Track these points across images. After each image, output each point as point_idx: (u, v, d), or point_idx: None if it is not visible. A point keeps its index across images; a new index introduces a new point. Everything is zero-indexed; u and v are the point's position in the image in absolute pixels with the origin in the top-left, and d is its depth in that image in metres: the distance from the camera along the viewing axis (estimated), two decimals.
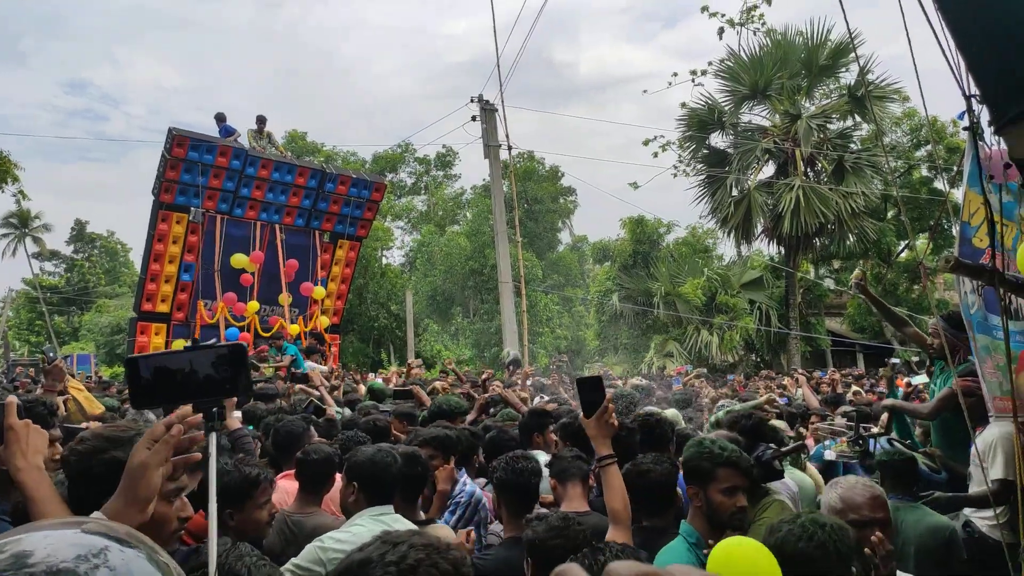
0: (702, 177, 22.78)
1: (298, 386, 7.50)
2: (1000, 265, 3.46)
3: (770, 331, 21.88)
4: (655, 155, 24.59)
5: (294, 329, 14.65)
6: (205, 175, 14.02)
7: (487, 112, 17.31)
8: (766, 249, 25.02)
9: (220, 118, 15.07)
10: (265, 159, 14.89)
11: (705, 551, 2.36)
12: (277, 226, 15.40)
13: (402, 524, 2.72)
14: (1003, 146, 2.43)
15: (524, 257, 27.41)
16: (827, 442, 5.38)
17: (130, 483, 1.32)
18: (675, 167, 23.52)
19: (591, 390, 2.55)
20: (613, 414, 2.53)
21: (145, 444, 1.34)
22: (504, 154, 17.40)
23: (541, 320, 30.01)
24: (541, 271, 32.78)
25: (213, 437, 1.44)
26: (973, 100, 2.97)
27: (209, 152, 14.02)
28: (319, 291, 15.46)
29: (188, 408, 1.40)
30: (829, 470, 5.26)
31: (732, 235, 22.59)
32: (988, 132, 2.90)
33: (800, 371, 13.50)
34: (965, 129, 3.61)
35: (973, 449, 3.92)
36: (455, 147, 41.87)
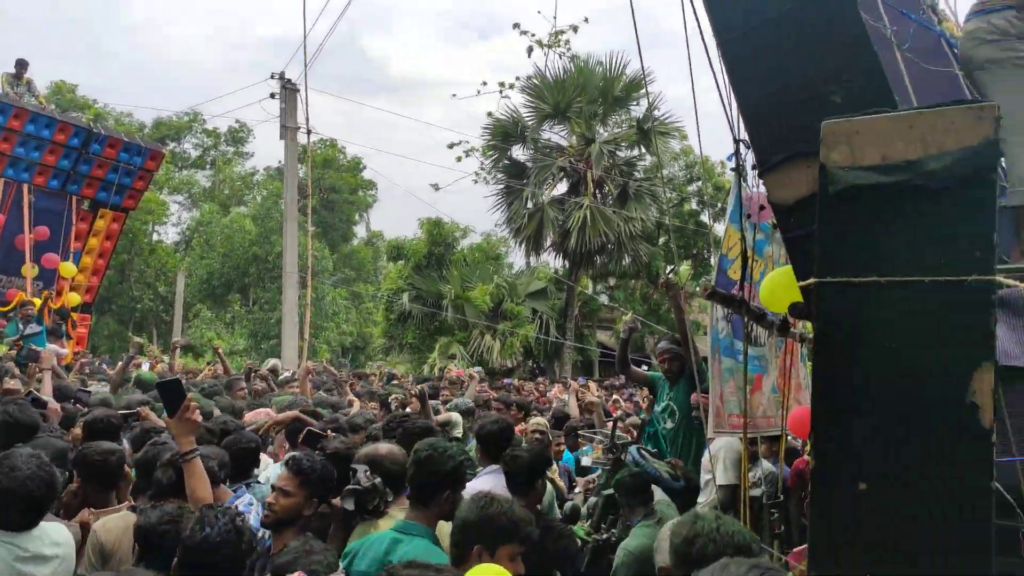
0: (501, 187, 23.43)
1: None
2: (748, 296, 3.81)
3: (548, 339, 22.97)
4: (459, 159, 24.87)
5: (37, 303, 12.78)
6: None
7: (288, 91, 16.37)
8: (553, 262, 26.28)
9: None
10: (20, 108, 12.85)
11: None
12: (26, 186, 13.34)
13: None
14: (763, 189, 2.66)
15: (315, 247, 26.34)
16: (585, 448, 5.65)
17: None
18: (476, 174, 23.97)
19: (172, 393, 2.85)
20: (196, 412, 2.85)
21: None
22: (303, 138, 16.60)
23: (327, 314, 29.04)
24: (332, 263, 31.75)
25: None
26: (742, 144, 3.25)
27: None
28: (67, 267, 13.59)
29: None
30: (587, 475, 5.59)
31: (523, 245, 23.48)
32: (752, 175, 3.19)
33: (572, 380, 14.25)
34: (732, 170, 3.96)
35: (704, 458, 4.32)
36: (249, 124, 39.25)
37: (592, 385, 12.74)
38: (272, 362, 10.47)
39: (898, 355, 1.98)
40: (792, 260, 2.48)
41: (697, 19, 2.70)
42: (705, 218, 25.70)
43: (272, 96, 16.73)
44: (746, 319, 3.99)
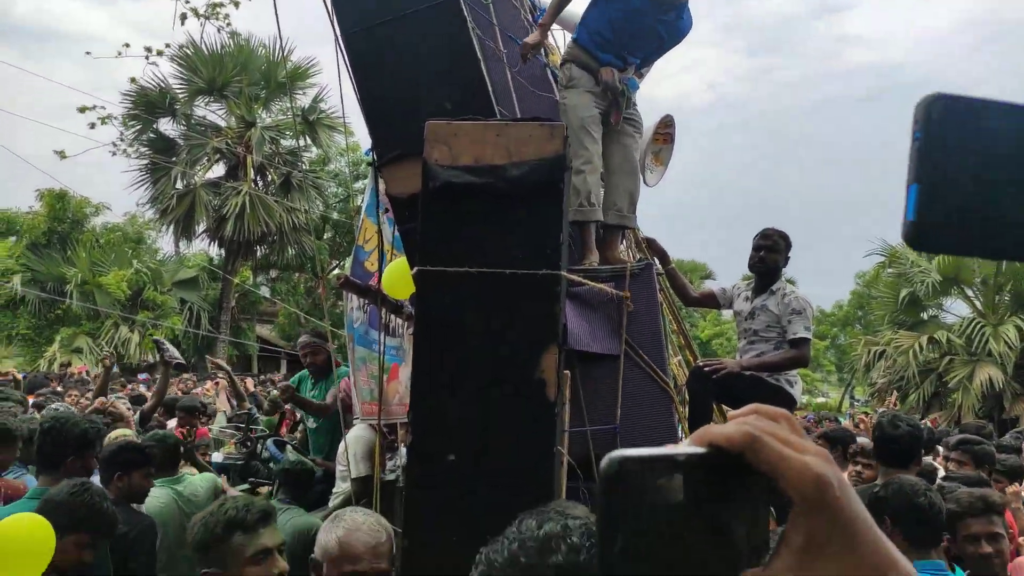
0: (145, 162, 21.02)
1: None
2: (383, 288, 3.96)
3: (199, 333, 21.30)
4: (92, 126, 21.65)
5: None
6: None
7: None
8: (207, 249, 24.40)
9: None
10: None
11: None
12: None
13: None
14: None
15: None
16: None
17: None
18: (115, 144, 21.15)
19: None
20: None
21: None
22: None
23: None
24: None
25: None
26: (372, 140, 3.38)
27: None
28: None
29: None
30: (225, 473, 5.29)
31: (172, 229, 21.38)
32: None
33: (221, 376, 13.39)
34: (369, 164, 4.08)
35: (340, 449, 4.40)
36: None
37: (249, 381, 12.15)
38: None
39: (482, 338, 2.23)
40: (406, 251, 2.65)
41: (330, 14, 2.74)
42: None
43: None
44: (382, 310, 4.15)
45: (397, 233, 4.59)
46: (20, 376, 10.76)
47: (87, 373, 13.41)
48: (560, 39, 4.02)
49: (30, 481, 3.34)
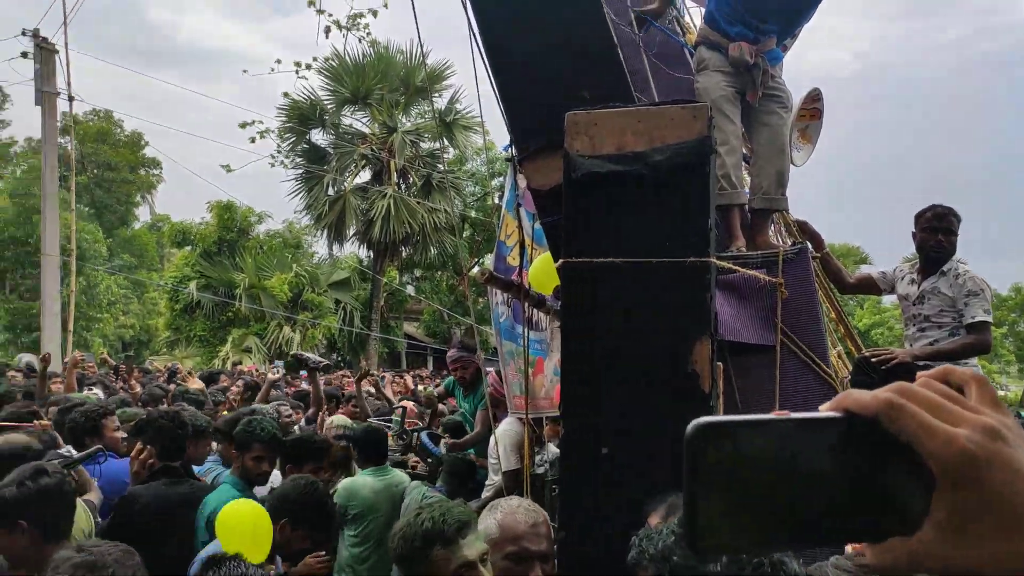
0: (300, 172, 22.50)
1: None
2: (527, 282, 3.99)
3: (352, 331, 22.53)
4: (252, 140, 23.46)
5: None
6: None
7: (44, 52, 14.46)
8: (357, 252, 25.78)
9: None
10: None
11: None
12: None
13: None
14: None
15: (85, 229, 23.75)
16: None
17: None
18: (273, 156, 22.81)
19: None
20: None
21: None
22: (64, 105, 14.77)
23: (102, 304, 26.28)
24: (108, 248, 28.75)
25: None
26: (510, 134, 3.40)
27: None
28: None
29: None
30: None
31: (325, 234, 22.75)
32: None
33: (385, 372, 14.10)
34: (507, 160, 4.12)
35: (491, 442, 4.47)
36: (4, 87, 34.35)
37: (407, 377, 12.76)
38: (24, 358, 9.27)
39: (631, 330, 2.18)
40: (550, 244, 2.64)
41: (466, 8, 2.78)
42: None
43: (24, 55, 14.74)
44: (525, 304, 4.18)
45: (537, 226, 4.62)
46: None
47: (255, 371, 14.51)
48: (698, 18, 3.87)
49: (224, 477, 3.64)
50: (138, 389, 7.82)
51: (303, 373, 10.87)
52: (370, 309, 23.37)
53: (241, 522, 2.43)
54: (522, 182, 4.13)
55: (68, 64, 14.31)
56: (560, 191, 2.46)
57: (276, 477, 4.05)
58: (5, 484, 2.31)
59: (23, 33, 14.50)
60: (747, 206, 3.48)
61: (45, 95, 14.28)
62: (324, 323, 21.77)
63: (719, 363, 2.50)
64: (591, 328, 2.23)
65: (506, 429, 4.66)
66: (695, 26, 3.83)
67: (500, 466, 4.55)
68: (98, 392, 6.85)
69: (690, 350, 2.18)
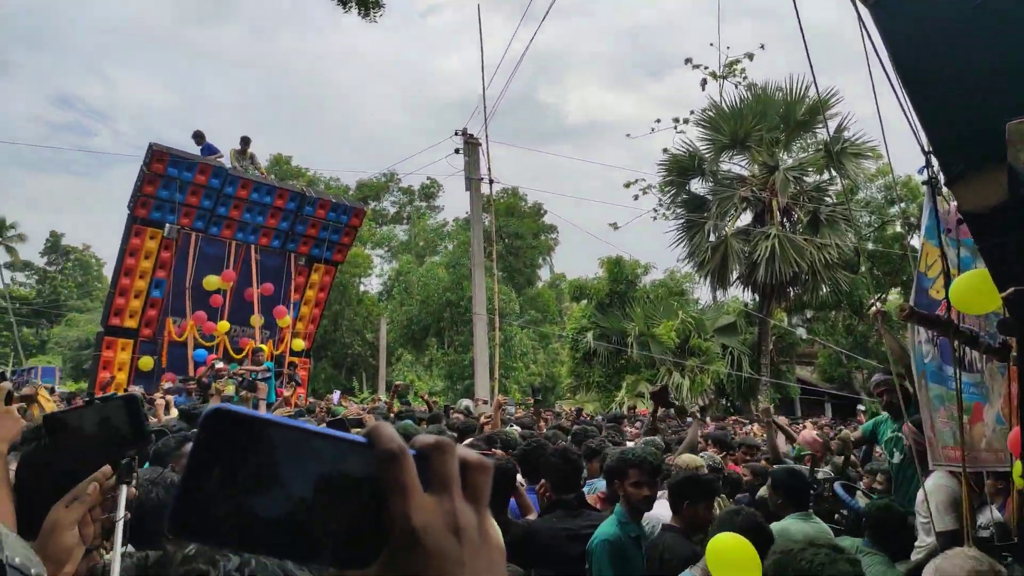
0: (681, 221, 23.09)
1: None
2: (955, 317, 3.54)
3: (741, 376, 22.01)
4: (636, 198, 24.95)
5: (267, 350, 14.52)
6: (183, 192, 13.92)
7: (470, 146, 17.46)
8: (741, 295, 25.32)
9: (199, 136, 15.02)
10: (245, 179, 14.86)
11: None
12: (253, 246, 15.30)
13: None
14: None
15: (501, 291, 27.44)
16: None
17: (43, 541, 1.29)
18: (655, 210, 23.87)
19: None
20: None
21: (64, 502, 1.32)
22: (486, 188, 17.55)
23: (515, 355, 29.95)
24: (519, 306, 32.82)
25: (123, 490, 1.45)
26: (932, 155, 3.09)
27: (189, 170, 13.96)
28: (285, 319, 15.30)
29: (108, 468, 1.40)
30: None
31: (708, 280, 22.85)
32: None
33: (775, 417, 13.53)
34: (924, 183, 3.73)
35: (919, 498, 3.97)
36: (439, 179, 42.11)
37: (809, 425, 12.08)
38: (465, 403, 11.03)
39: None
40: (991, 270, 2.32)
41: (864, 28, 2.65)
42: (915, 242, 23.58)
43: (456, 151, 17.91)
44: (955, 342, 3.69)
45: (963, 254, 4.07)
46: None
47: (649, 415, 15.01)
48: None
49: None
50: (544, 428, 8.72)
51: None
52: (758, 353, 22.61)
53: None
54: (944, 206, 3.70)
55: (489, 154, 17.03)
56: (999, 211, 2.17)
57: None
58: None
59: (456, 133, 17.73)
60: None
61: (472, 181, 17.20)
62: (712, 368, 21.66)
63: None
64: None
65: (939, 483, 4.11)
66: None
67: (932, 526, 4.02)
68: (517, 428, 7.81)
69: None
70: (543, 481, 4.00)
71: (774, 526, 3.83)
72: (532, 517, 3.98)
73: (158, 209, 13.88)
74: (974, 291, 2.75)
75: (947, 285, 3.59)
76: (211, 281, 14.40)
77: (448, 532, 0.48)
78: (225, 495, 0.45)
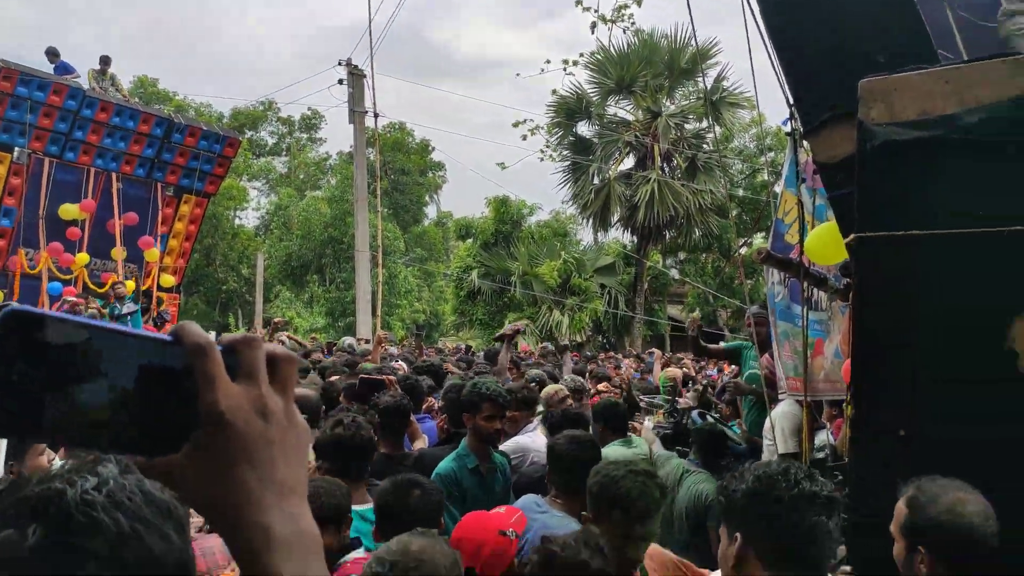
0: (567, 163, 23.42)
1: None
2: (806, 261, 3.84)
3: (617, 314, 22.95)
4: (524, 138, 24.94)
5: (130, 286, 13.67)
6: (34, 113, 12.62)
7: (355, 77, 16.79)
8: (621, 237, 26.17)
9: (53, 53, 13.57)
10: (105, 101, 13.64)
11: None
12: (114, 174, 14.18)
13: None
14: None
15: (386, 228, 26.98)
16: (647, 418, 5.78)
17: None
18: (542, 151, 24.02)
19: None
20: None
21: None
22: (371, 122, 17.03)
23: (400, 292, 29.76)
24: (404, 243, 32.44)
25: None
26: (795, 108, 3.29)
27: (41, 89, 12.62)
28: (151, 252, 14.42)
29: None
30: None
31: (590, 221, 23.46)
32: None
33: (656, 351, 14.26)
34: (787, 134, 3.98)
35: (766, 424, 4.37)
36: (321, 111, 40.29)
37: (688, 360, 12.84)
38: (347, 340, 10.94)
39: (938, 306, 2.05)
40: (838, 219, 2.54)
41: None
42: (778, 189, 25.05)
43: (340, 82, 17.22)
44: (805, 283, 4.02)
45: (819, 202, 4.40)
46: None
47: (527, 352, 15.46)
48: None
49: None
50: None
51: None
52: (634, 292, 23.62)
53: None
54: (804, 156, 3.97)
55: (374, 87, 16.47)
56: (849, 162, 2.37)
57: None
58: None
59: (339, 63, 16.99)
60: None
61: (356, 114, 16.62)
62: (590, 307, 22.46)
63: None
64: (889, 304, 2.13)
65: (784, 411, 4.52)
66: None
67: (776, 448, 4.44)
68: (403, 365, 7.86)
69: (1007, 328, 1.99)
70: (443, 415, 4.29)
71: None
72: (420, 444, 4.14)
73: (6, 131, 12.54)
74: (826, 243, 2.99)
75: (802, 231, 3.89)
76: (68, 210, 13.29)
77: (255, 415, 0.52)
78: (39, 390, 0.46)
